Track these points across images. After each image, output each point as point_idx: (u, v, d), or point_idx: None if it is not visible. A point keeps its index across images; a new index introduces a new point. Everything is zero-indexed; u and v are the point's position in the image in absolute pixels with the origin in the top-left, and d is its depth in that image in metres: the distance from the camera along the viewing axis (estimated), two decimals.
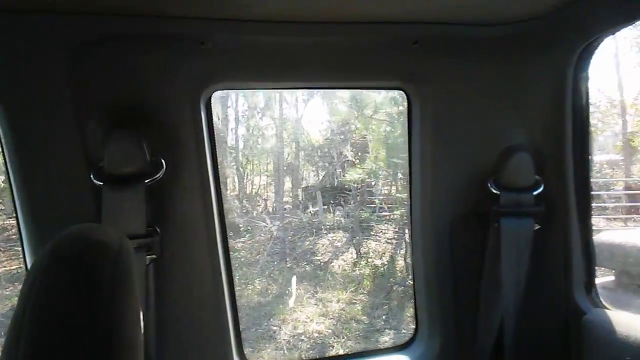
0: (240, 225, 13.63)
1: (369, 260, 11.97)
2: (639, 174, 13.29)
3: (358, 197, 14.20)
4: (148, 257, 1.60)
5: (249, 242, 13.32)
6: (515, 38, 1.73)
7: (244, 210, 15.34)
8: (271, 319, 9.62)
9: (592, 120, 14.62)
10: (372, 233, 13.28)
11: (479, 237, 1.85)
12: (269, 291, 10.85)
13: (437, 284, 1.91)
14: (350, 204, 14.56)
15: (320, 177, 17.34)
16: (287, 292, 10.71)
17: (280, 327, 9.32)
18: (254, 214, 15.12)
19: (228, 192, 15.92)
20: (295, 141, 16.67)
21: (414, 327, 2.07)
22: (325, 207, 15.64)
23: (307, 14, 1.56)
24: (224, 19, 1.57)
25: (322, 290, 10.83)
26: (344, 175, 14.47)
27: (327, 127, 15.84)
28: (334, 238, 13.73)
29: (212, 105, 1.82)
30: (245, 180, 17.10)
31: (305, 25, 1.62)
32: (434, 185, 1.87)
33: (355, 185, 14.06)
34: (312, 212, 15.71)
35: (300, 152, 17.11)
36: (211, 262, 1.79)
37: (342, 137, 15.10)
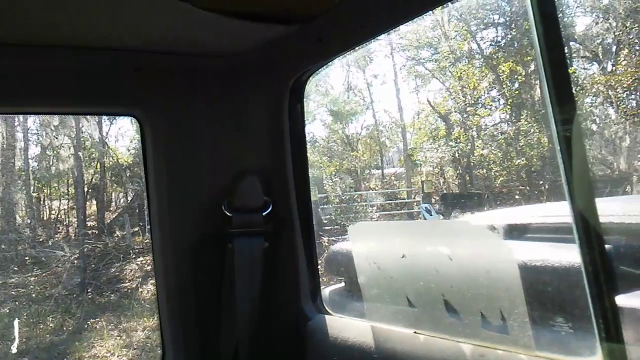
0: (28, 258, 12.16)
1: None
2: (419, 183, 15.24)
3: None
4: None
5: (43, 275, 11.96)
6: (233, 70, 1.87)
7: (39, 240, 13.76)
8: (65, 359, 8.74)
9: (381, 139, 16.31)
10: None
11: (218, 258, 1.93)
12: (65, 327, 9.86)
13: (180, 306, 1.95)
14: None
15: (129, 198, 16.38)
16: (86, 326, 9.85)
17: None
18: (51, 243, 13.64)
19: (18, 219, 14.17)
20: (100, 161, 15.53)
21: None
22: (136, 229, 14.80)
23: (11, 35, 1.48)
24: None
25: (127, 319, 10.20)
26: None
27: (136, 145, 15.09)
28: (144, 262, 13.04)
29: None
30: (40, 206, 15.38)
31: (12, 48, 1.53)
32: (171, 210, 1.90)
33: None
34: (119, 235, 14.75)
35: (107, 172, 16.00)
36: None
37: None
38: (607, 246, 1.14)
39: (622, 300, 1.32)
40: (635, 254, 1.57)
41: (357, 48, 1.77)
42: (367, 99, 17.06)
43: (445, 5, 1.42)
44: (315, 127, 17.05)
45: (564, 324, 1.40)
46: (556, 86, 1.15)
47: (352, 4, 1.43)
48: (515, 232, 1.98)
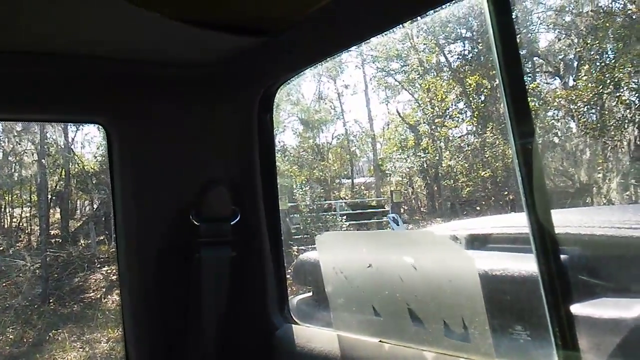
0: None
1: None
2: (388, 193, 15.42)
3: None
4: None
5: (3, 285, 11.58)
6: (202, 80, 1.87)
7: None
8: None
9: (352, 148, 16.44)
10: None
11: (185, 268, 1.91)
12: (25, 339, 9.56)
13: (146, 316, 1.92)
14: None
15: (95, 206, 16.02)
16: (47, 337, 9.56)
17: None
18: (11, 252, 13.23)
19: None
20: (64, 168, 15.17)
21: None
22: (101, 238, 14.48)
23: None
24: None
25: (91, 330, 9.95)
26: None
27: (103, 152, 14.81)
28: (109, 271, 12.77)
29: None
30: (1, 214, 14.93)
31: None
32: (137, 218, 1.88)
33: None
34: (84, 244, 14.41)
35: (72, 179, 15.64)
36: None
37: None
38: (563, 256, 1.19)
39: (580, 307, 1.38)
40: (589, 263, 1.63)
41: (327, 60, 1.80)
42: (337, 109, 17.22)
43: (415, 19, 1.46)
44: (286, 136, 17.11)
45: (522, 332, 1.45)
46: (515, 102, 1.20)
47: (322, 16, 1.45)
48: (477, 242, 2.04)
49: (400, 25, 1.61)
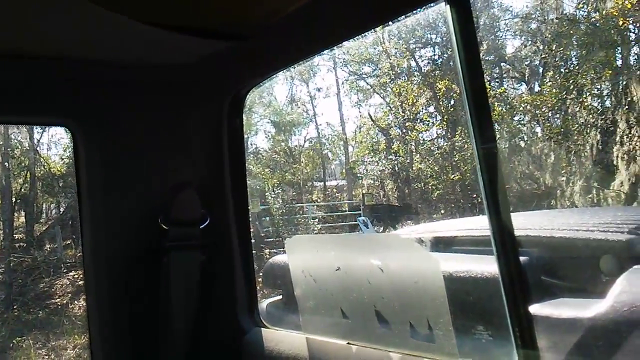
0: None
1: None
2: (360, 196, 15.52)
3: None
4: None
5: None
6: (171, 83, 1.87)
7: None
8: None
9: (324, 151, 16.46)
10: None
11: (153, 273, 1.89)
12: None
13: (113, 322, 1.89)
14: None
15: (62, 210, 15.65)
16: (11, 345, 9.28)
17: None
18: None
19: None
20: (30, 170, 14.76)
21: None
22: (68, 242, 14.14)
23: None
24: None
25: (57, 337, 9.70)
26: None
27: (70, 154, 14.45)
28: (76, 276, 12.46)
29: None
30: None
31: None
32: (105, 223, 1.85)
33: None
34: (50, 249, 14.04)
35: (38, 182, 15.23)
36: None
37: None
38: (523, 258, 1.23)
39: (539, 308, 1.42)
40: (548, 264, 1.69)
41: (297, 64, 1.82)
42: (310, 112, 17.25)
43: (386, 24, 1.49)
44: (258, 139, 17.05)
45: (484, 332, 1.49)
46: (477, 108, 1.24)
47: (292, 21, 1.46)
48: (442, 244, 2.08)
49: (372, 30, 1.64)
